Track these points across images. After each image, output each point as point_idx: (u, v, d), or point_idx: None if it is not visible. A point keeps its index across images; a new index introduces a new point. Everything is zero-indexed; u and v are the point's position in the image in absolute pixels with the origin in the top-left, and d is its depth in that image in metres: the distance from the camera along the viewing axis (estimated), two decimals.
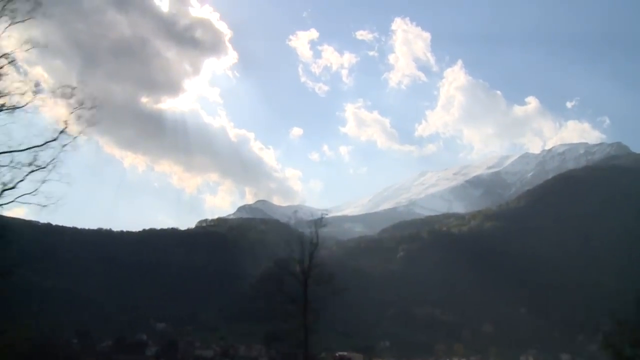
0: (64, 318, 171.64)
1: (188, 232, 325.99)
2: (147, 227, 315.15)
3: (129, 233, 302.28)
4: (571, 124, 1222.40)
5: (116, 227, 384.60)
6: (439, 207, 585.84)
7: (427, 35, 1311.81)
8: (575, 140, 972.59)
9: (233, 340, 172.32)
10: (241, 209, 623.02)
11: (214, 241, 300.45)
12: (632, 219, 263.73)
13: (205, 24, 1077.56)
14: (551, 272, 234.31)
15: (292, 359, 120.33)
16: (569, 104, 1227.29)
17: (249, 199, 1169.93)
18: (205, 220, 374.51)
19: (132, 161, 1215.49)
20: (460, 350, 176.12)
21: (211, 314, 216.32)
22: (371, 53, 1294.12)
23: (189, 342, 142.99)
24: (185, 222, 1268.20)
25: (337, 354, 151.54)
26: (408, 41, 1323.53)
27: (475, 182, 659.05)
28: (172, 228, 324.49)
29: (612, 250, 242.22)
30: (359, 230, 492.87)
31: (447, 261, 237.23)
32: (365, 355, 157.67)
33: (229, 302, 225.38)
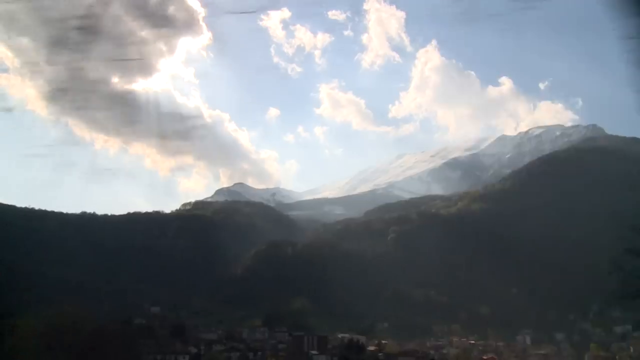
0: (54, 303, 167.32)
1: (173, 215, 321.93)
2: (131, 211, 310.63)
3: (113, 217, 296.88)
4: (545, 105, 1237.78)
5: (101, 210, 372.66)
6: (418, 189, 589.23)
7: (401, 14, 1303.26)
8: (549, 121, 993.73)
9: (230, 324, 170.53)
10: (219, 192, 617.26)
11: (200, 224, 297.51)
12: (616, 200, 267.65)
13: (177, 1, 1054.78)
14: (539, 253, 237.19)
15: (301, 341, 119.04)
16: (542, 85, 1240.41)
17: (224, 182, 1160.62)
18: (189, 203, 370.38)
19: (104, 144, 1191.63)
20: (458, 331, 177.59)
21: (204, 297, 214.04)
22: (345, 33, 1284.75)
23: (193, 327, 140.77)
24: (160, 204, 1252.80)
25: (339, 336, 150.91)
26: (382, 21, 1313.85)
27: (453, 164, 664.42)
28: (156, 211, 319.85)
29: (598, 230, 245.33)
30: (339, 212, 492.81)
31: (438, 243, 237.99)
32: (366, 337, 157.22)
33: (220, 286, 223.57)
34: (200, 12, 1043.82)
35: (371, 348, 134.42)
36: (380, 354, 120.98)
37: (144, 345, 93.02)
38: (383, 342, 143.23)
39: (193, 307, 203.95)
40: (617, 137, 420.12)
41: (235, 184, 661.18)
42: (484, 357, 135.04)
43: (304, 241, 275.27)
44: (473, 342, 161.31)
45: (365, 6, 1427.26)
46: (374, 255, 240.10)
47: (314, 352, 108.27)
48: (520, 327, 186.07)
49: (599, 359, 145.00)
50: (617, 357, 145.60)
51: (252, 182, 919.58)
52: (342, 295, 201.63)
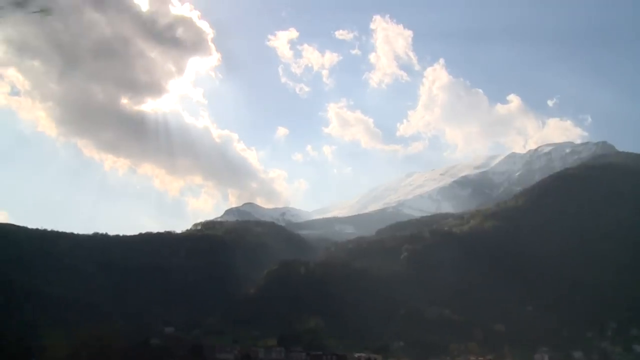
0: (68, 324, 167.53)
1: (184, 235, 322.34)
2: (142, 231, 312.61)
3: (125, 237, 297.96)
4: (553, 122, 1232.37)
5: (110, 231, 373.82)
6: (428, 208, 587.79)
7: (408, 33, 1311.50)
8: (558, 138, 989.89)
9: (245, 344, 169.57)
10: (229, 211, 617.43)
11: (212, 244, 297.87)
12: (629, 217, 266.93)
13: (186, 23, 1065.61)
14: (553, 270, 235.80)
15: None
16: (550, 102, 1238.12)
17: (232, 202, 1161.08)
18: (200, 223, 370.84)
19: (113, 164, 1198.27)
20: (475, 349, 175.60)
21: (217, 317, 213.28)
22: (352, 52, 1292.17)
23: (209, 347, 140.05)
24: (169, 224, 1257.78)
25: (355, 355, 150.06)
26: (389, 40, 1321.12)
27: (463, 182, 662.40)
28: (167, 231, 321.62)
29: (611, 248, 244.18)
30: (350, 231, 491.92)
31: (451, 261, 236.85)
32: (382, 356, 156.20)
33: (233, 306, 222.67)
34: (209, 33, 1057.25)
35: None
36: None
37: None
38: None
39: (207, 327, 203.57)
40: (627, 153, 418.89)
41: (244, 204, 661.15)
42: None
43: (315, 260, 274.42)
44: None
45: (372, 25, 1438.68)
46: (388, 274, 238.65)
47: None
48: (537, 345, 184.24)
49: None
50: None
51: (260, 202, 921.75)
52: (356, 314, 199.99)
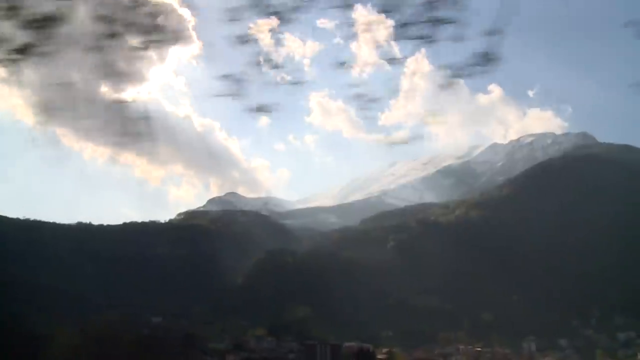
0: (57, 314, 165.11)
1: (169, 224, 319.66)
2: (127, 220, 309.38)
3: (109, 227, 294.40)
4: (534, 112, 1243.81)
5: (92, 220, 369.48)
6: (411, 197, 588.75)
7: (390, 22, 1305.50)
8: (539, 129, 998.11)
9: (234, 334, 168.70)
10: (211, 201, 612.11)
11: (197, 234, 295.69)
12: (613, 207, 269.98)
13: (167, 9, 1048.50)
14: (538, 260, 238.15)
15: (314, 350, 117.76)
16: (530, 92, 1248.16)
17: (214, 191, 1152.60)
18: (185, 213, 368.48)
19: (93, 153, 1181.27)
20: (464, 338, 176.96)
21: (205, 307, 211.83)
22: (334, 41, 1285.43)
23: (202, 336, 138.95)
24: (150, 214, 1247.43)
25: (344, 345, 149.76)
26: (370, 29, 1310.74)
27: (446, 172, 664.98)
28: (152, 221, 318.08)
29: (594, 238, 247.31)
30: (333, 221, 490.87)
31: (438, 250, 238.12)
32: (372, 345, 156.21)
33: (221, 295, 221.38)
34: (190, 20, 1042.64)
35: (380, 356, 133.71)
36: None
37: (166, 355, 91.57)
38: (394, 350, 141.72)
39: (195, 317, 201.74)
40: (609, 144, 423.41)
41: (227, 193, 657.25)
42: None
43: (301, 250, 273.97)
44: (480, 349, 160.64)
45: (354, 15, 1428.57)
46: (375, 263, 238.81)
47: None
48: (524, 333, 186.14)
49: None
50: None
51: (242, 191, 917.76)
52: (344, 304, 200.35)
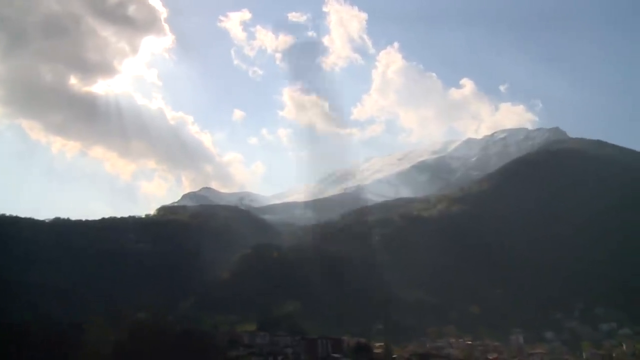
0: (39, 310, 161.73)
1: (149, 220, 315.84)
2: (103, 216, 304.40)
3: (87, 222, 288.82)
4: (506, 107, 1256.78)
5: (64, 215, 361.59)
6: (387, 192, 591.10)
7: (363, 15, 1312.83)
8: (510, 123, 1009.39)
9: (223, 329, 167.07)
10: (186, 196, 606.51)
11: (178, 229, 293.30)
12: (588, 201, 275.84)
13: (139, 1, 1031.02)
14: (518, 254, 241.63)
15: (314, 344, 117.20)
16: (502, 87, 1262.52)
17: (186, 185, 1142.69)
18: (162, 208, 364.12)
19: (62, 147, 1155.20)
20: (453, 332, 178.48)
21: (190, 302, 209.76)
22: (307, 34, 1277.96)
23: (199, 332, 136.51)
24: (122, 209, 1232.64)
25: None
26: (343, 22, 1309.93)
27: (421, 167, 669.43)
28: (130, 216, 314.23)
29: (574, 231, 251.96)
30: (311, 216, 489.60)
31: (423, 244, 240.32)
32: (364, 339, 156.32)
33: (207, 291, 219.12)
34: (162, 12, 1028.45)
35: (376, 351, 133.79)
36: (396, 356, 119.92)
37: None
38: (389, 344, 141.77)
39: (181, 312, 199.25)
40: (582, 140, 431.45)
41: (202, 189, 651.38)
42: (489, 358, 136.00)
43: (284, 245, 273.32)
44: (470, 342, 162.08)
45: (326, 8, 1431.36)
46: (361, 258, 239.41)
47: (336, 355, 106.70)
48: (510, 326, 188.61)
49: (597, 357, 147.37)
50: (613, 354, 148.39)
51: (216, 186, 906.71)
52: (332, 299, 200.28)
